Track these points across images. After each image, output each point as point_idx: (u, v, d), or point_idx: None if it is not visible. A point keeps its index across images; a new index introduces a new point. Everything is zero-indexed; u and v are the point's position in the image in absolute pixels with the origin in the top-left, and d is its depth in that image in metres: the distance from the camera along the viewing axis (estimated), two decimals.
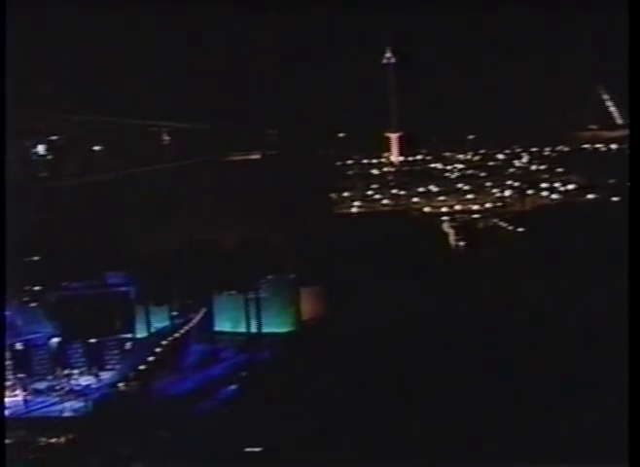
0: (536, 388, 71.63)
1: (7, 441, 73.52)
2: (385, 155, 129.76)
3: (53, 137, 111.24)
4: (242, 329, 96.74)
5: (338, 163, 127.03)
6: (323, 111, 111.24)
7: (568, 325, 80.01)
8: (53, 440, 73.65)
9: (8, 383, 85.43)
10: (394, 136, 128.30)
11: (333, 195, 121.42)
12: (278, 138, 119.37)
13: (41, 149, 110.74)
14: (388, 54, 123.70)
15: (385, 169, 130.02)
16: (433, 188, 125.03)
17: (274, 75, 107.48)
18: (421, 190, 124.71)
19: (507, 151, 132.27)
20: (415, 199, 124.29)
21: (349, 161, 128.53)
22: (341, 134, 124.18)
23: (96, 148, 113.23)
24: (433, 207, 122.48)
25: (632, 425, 44.33)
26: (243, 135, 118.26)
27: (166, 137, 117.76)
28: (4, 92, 53.32)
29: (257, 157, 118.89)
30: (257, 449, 67.04)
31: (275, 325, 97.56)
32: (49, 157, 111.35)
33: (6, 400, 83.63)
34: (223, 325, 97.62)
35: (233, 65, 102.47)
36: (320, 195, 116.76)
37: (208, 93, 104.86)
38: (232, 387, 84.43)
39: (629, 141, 52.69)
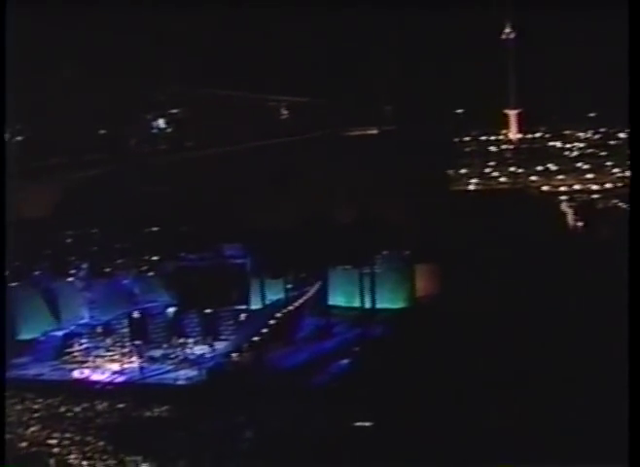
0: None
1: (121, 406, 75.75)
2: (504, 132, 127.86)
3: (174, 111, 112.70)
4: (356, 304, 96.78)
5: (456, 140, 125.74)
6: (441, 87, 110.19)
7: None
8: (167, 406, 75.02)
9: (125, 350, 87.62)
10: (513, 113, 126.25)
11: (450, 171, 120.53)
12: (396, 113, 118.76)
13: (161, 122, 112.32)
14: (507, 30, 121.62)
15: (503, 147, 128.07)
16: (552, 166, 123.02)
17: (393, 50, 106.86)
18: (540, 168, 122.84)
19: (628, 129, 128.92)
20: (533, 178, 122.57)
21: (467, 138, 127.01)
22: (459, 110, 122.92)
23: (216, 121, 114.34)
24: (551, 186, 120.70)
25: (632, 425, 43.35)
26: (361, 110, 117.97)
27: (285, 111, 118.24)
28: (4, 89, 54.15)
29: (374, 132, 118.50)
30: (366, 424, 67.04)
31: (389, 301, 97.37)
32: (169, 130, 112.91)
33: (122, 366, 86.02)
34: (337, 299, 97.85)
35: (353, 41, 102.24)
36: (437, 171, 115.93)
37: (327, 68, 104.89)
38: (344, 362, 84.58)
39: (630, 141, 50.99)
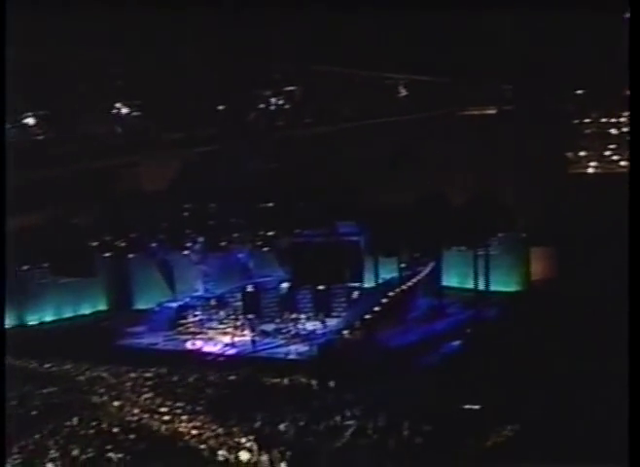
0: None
1: (232, 377, 76.81)
2: (625, 114, 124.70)
3: (291, 87, 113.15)
4: (470, 285, 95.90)
5: (576, 121, 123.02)
6: (562, 67, 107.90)
7: None
8: (277, 380, 75.70)
9: (237, 323, 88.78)
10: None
11: (569, 153, 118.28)
12: (515, 93, 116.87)
13: (279, 99, 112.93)
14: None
15: (625, 129, 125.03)
16: None
17: (514, 29, 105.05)
18: None
19: None
20: None
21: (587, 120, 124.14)
22: (580, 91, 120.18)
23: (333, 99, 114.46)
24: None
25: (632, 425, 41.98)
26: (480, 89, 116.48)
27: (403, 90, 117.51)
28: (4, 87, 54.78)
29: (493, 112, 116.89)
30: (475, 407, 66.54)
31: (503, 284, 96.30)
32: (286, 106, 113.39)
33: (234, 339, 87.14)
34: (450, 280, 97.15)
35: (469, 21, 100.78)
36: (555, 153, 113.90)
37: (444, 46, 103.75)
38: (456, 343, 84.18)
39: (630, 141, 48.85)
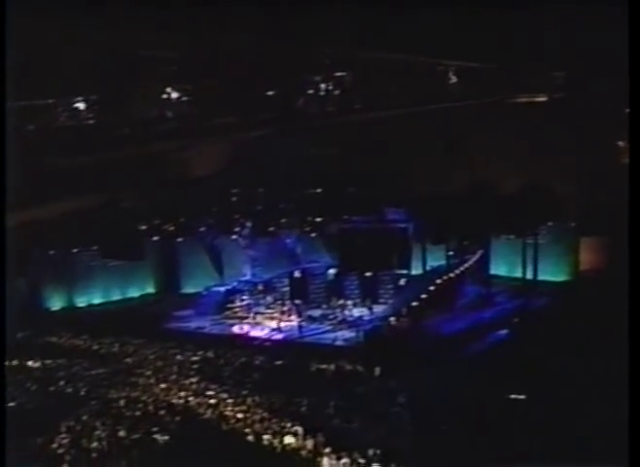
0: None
1: (278, 362, 77.06)
2: None
3: (341, 73, 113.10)
4: (518, 274, 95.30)
5: (627, 111, 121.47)
6: (611, 55, 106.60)
7: None
8: (323, 366, 75.77)
9: (284, 308, 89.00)
10: None
11: (620, 143, 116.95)
12: (566, 80, 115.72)
13: (329, 85, 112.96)
14: None
15: None
16: None
17: (564, 15, 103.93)
18: None
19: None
20: None
21: None
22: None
23: (383, 85, 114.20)
24: None
25: (632, 425, 41.32)
26: (531, 76, 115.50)
27: (453, 76, 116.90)
28: (4, 84, 54.79)
29: (543, 99, 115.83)
30: (521, 397, 66.20)
31: (552, 273, 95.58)
32: (335, 92, 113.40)
33: (281, 324, 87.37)
34: (498, 269, 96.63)
35: (523, 7, 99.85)
36: (606, 142, 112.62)
37: (495, 32, 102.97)
38: (503, 332, 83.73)
39: (630, 141, 47.97)
